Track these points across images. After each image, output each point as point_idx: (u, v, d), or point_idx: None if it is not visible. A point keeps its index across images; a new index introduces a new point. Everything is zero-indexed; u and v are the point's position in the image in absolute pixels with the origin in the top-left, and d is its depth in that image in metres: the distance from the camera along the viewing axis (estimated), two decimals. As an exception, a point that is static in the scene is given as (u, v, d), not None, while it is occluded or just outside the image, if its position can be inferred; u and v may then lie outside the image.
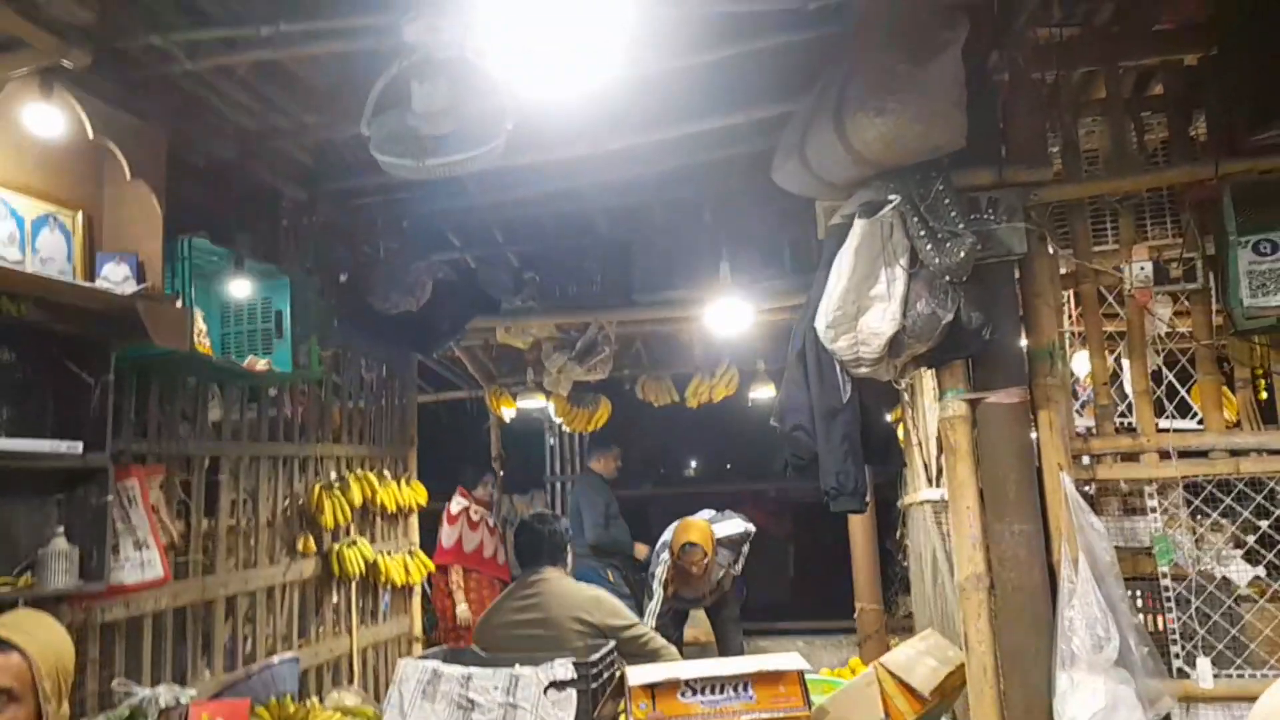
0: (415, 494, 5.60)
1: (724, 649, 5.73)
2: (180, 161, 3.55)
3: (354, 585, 4.93)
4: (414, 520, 5.72)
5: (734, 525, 5.65)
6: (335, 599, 4.88)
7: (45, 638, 2.04)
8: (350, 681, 4.68)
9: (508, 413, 7.58)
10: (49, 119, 2.92)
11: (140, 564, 3.35)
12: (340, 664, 4.84)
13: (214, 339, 3.98)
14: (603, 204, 5.01)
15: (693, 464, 9.20)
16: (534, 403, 7.31)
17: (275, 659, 3.60)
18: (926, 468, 4.12)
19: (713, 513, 5.72)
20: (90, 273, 3.35)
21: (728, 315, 5.22)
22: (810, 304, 2.97)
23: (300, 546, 4.55)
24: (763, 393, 7.04)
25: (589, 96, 3.02)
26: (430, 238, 5.34)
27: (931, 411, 3.83)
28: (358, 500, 4.92)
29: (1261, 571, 2.59)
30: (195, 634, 3.86)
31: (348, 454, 5.16)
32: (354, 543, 4.87)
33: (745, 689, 2.69)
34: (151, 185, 3.35)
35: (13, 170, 3.15)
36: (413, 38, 2.56)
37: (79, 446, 3.06)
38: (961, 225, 2.63)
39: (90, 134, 3.05)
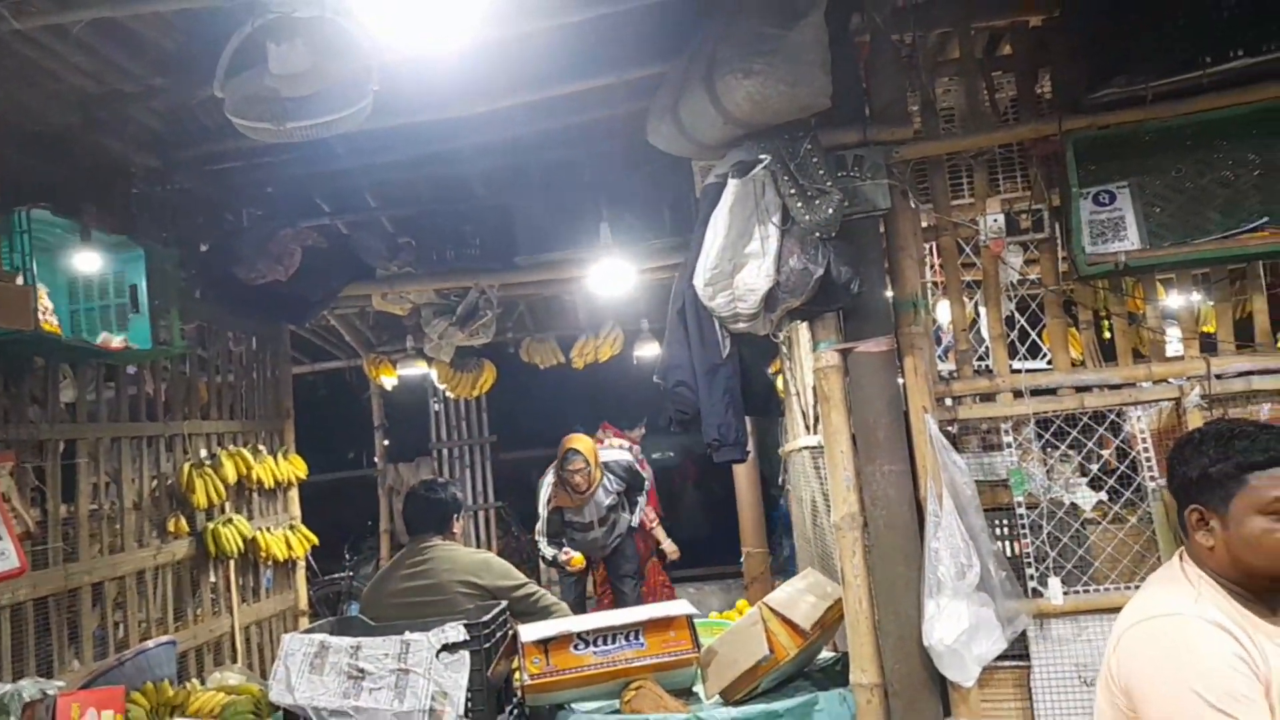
0: (294, 468, 5.44)
1: (621, 602, 5.86)
2: (16, 129, 3.28)
3: (232, 563, 4.76)
4: (294, 494, 5.56)
5: (619, 453, 5.92)
6: (213, 578, 4.71)
7: None
8: (234, 661, 4.55)
9: (389, 381, 7.42)
10: None
11: (-7, 555, 3.15)
12: (222, 644, 4.69)
13: (62, 317, 3.73)
14: (480, 167, 4.92)
15: (580, 425, 9.27)
16: (416, 370, 7.17)
17: (150, 643, 3.46)
18: (804, 416, 4.27)
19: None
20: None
21: (610, 276, 5.24)
22: (689, 263, 3.02)
23: (172, 527, 4.36)
24: (647, 351, 7.13)
25: (460, 57, 2.94)
26: (298, 204, 5.13)
27: (807, 363, 3.98)
28: (232, 477, 4.74)
29: (1104, 496, 2.83)
30: (60, 624, 3.66)
31: (218, 430, 4.95)
32: (230, 520, 4.70)
33: (636, 637, 2.76)
34: (-23, 150, 3.09)
35: None
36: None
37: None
38: (829, 183, 2.72)
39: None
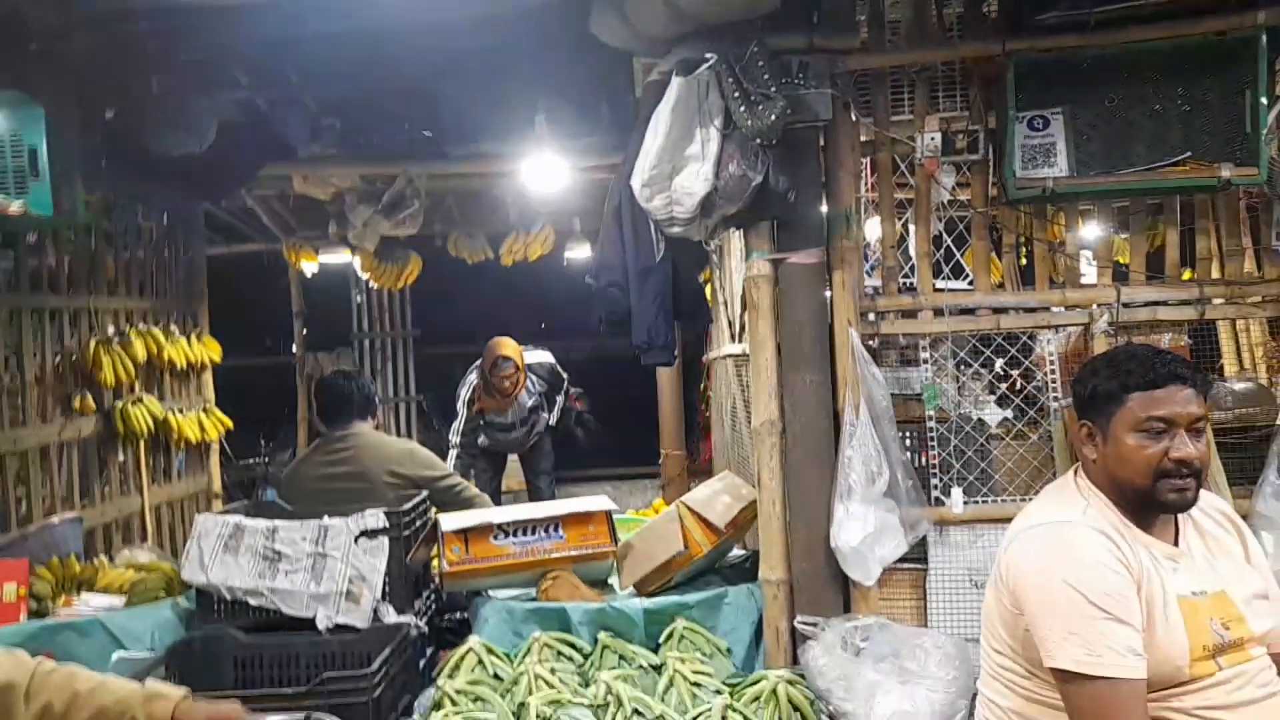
0: (208, 350, 5.29)
1: (536, 498, 5.95)
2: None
3: (142, 444, 4.65)
4: (208, 377, 5.42)
5: (542, 355, 5.89)
6: (122, 458, 4.60)
7: None
8: (144, 541, 4.49)
9: (310, 267, 7.19)
10: None
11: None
12: (131, 523, 4.61)
13: (-45, 175, 3.48)
14: (410, 48, 4.66)
15: (508, 323, 9.22)
16: (338, 257, 6.96)
17: (54, 519, 3.38)
18: (730, 325, 4.32)
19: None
20: None
21: (543, 172, 5.13)
22: (627, 162, 2.98)
23: (78, 405, 4.22)
24: (579, 252, 7.05)
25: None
26: (213, 74, 4.81)
27: (738, 272, 4.00)
28: (141, 356, 4.58)
29: (1010, 414, 2.96)
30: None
31: (127, 307, 4.75)
32: (140, 400, 4.56)
33: (556, 530, 2.82)
34: None
35: None
36: None
37: None
38: (774, 89, 2.69)
39: None
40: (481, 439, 5.74)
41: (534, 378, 5.76)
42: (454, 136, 5.25)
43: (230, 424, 5.46)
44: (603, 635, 2.61)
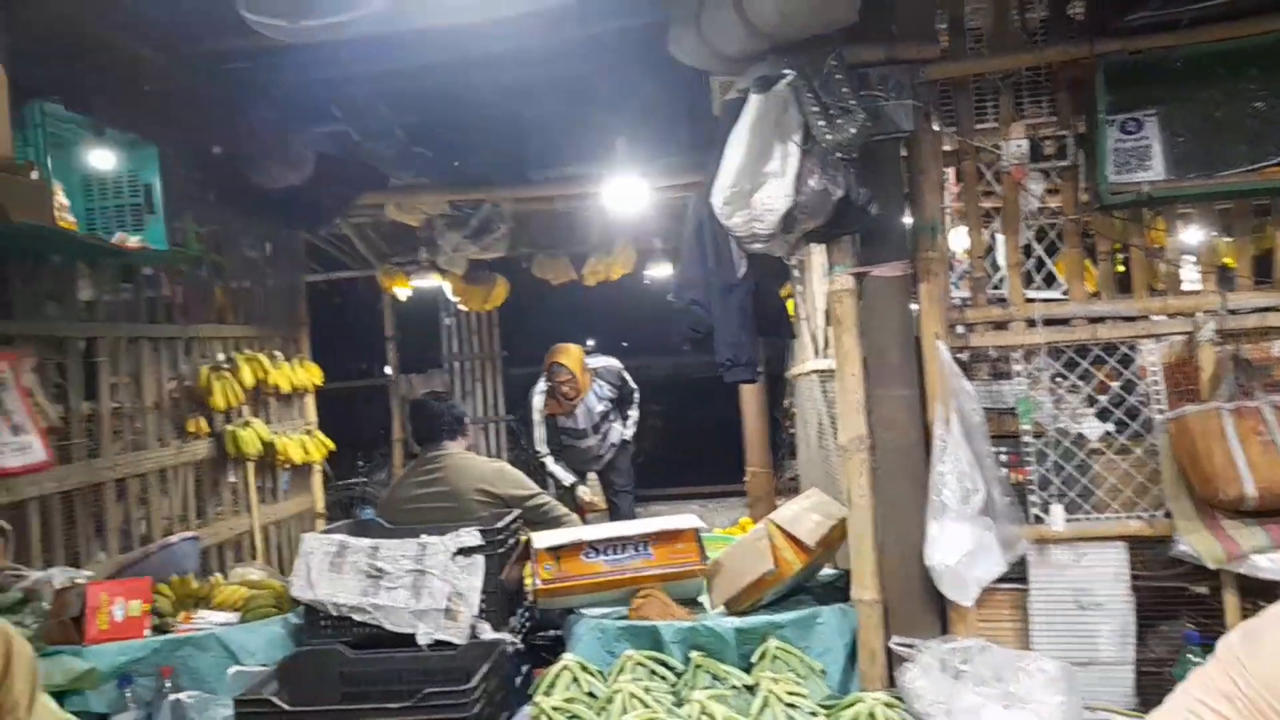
0: (309, 374, 5.51)
1: (615, 515, 6.01)
2: (23, 20, 3.21)
3: (251, 465, 4.88)
4: (310, 400, 5.65)
5: (607, 361, 6.06)
6: (232, 479, 4.84)
7: None
8: (253, 558, 4.71)
9: (402, 292, 7.43)
10: None
11: (19, 448, 3.23)
12: (242, 542, 4.84)
13: (78, 214, 3.73)
14: (494, 77, 4.82)
15: (590, 341, 9.32)
16: (429, 281, 7.18)
17: (174, 538, 3.57)
18: (814, 339, 4.29)
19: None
20: (-70, 140, 3.06)
21: (624, 192, 5.20)
22: (706, 181, 3.00)
23: (191, 428, 4.46)
24: (659, 270, 7.10)
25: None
26: (310, 109, 5.05)
27: (820, 286, 3.97)
28: (249, 381, 4.81)
29: (1111, 428, 2.86)
30: (85, 517, 3.79)
31: (235, 335, 5.01)
32: (248, 423, 4.79)
33: (645, 548, 2.85)
34: (-9, 42, 3.04)
35: None
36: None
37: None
38: (853, 102, 2.68)
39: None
40: (556, 449, 5.87)
41: (601, 383, 5.88)
42: (537, 160, 5.38)
43: (332, 445, 5.68)
44: (694, 654, 2.62)
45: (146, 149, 3.86)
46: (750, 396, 6.62)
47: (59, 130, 3.47)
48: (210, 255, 4.87)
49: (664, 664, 2.61)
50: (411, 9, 3.48)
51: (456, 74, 4.69)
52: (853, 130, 2.63)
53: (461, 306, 7.74)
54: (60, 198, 3.46)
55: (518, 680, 2.69)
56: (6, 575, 3.07)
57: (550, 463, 5.83)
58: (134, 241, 3.78)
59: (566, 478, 5.80)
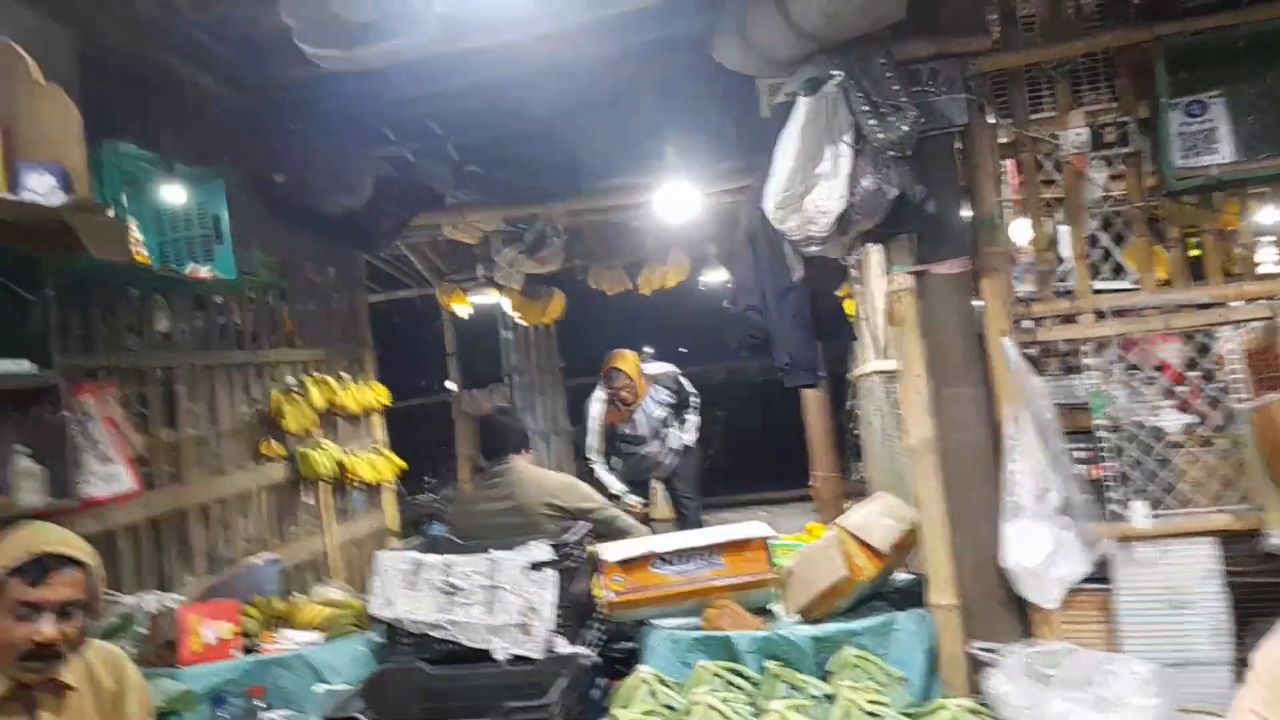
0: (376, 394, 5.63)
1: (683, 525, 6.00)
2: (95, 63, 3.35)
3: (325, 486, 5.00)
4: (377, 419, 5.77)
5: (665, 367, 6.08)
6: (308, 500, 4.96)
7: (87, 547, 2.08)
8: (331, 577, 4.82)
9: (462, 309, 7.55)
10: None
11: (107, 477, 3.36)
12: (319, 562, 4.96)
13: (151, 248, 3.85)
14: (542, 92, 4.87)
15: (648, 350, 9.36)
16: (487, 298, 7.28)
17: (256, 560, 3.69)
18: (875, 340, 4.25)
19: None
20: (13, 185, 3.20)
21: (675, 200, 5.22)
22: (757, 185, 3.00)
23: (266, 451, 4.59)
24: (714, 275, 7.10)
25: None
26: (365, 132, 5.17)
27: (879, 286, 3.93)
28: (319, 403, 4.93)
29: (1191, 419, 2.77)
30: (172, 542, 3.92)
31: (303, 358, 5.14)
32: (320, 445, 4.91)
33: (714, 558, 2.85)
34: (66, 87, 3.17)
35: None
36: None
37: (28, 364, 3.01)
38: (904, 98, 2.65)
39: (-5, 34, 2.87)
40: (616, 460, 5.89)
41: (658, 388, 5.90)
42: (588, 172, 5.42)
43: (403, 464, 5.79)
44: (770, 664, 2.61)
45: (213, 181, 3.98)
46: (813, 400, 6.57)
47: (131, 168, 3.60)
48: (276, 281, 5.00)
49: (740, 674, 2.61)
50: (460, 32, 3.55)
51: (505, 91, 4.76)
52: (905, 128, 2.61)
53: (520, 321, 7.83)
54: (135, 233, 3.59)
55: (594, 693, 2.72)
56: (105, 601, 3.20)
57: (600, 469, 5.85)
58: (205, 272, 3.90)
59: (615, 485, 5.80)
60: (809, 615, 2.82)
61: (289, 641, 2.97)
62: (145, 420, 3.90)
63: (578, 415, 8.63)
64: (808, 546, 3.14)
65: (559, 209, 5.84)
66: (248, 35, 3.94)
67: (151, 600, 3.11)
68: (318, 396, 4.92)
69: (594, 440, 5.90)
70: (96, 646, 2.25)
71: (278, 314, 5.01)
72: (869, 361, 4.42)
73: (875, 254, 3.79)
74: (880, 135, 2.62)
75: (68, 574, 1.99)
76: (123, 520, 3.60)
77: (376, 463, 5.44)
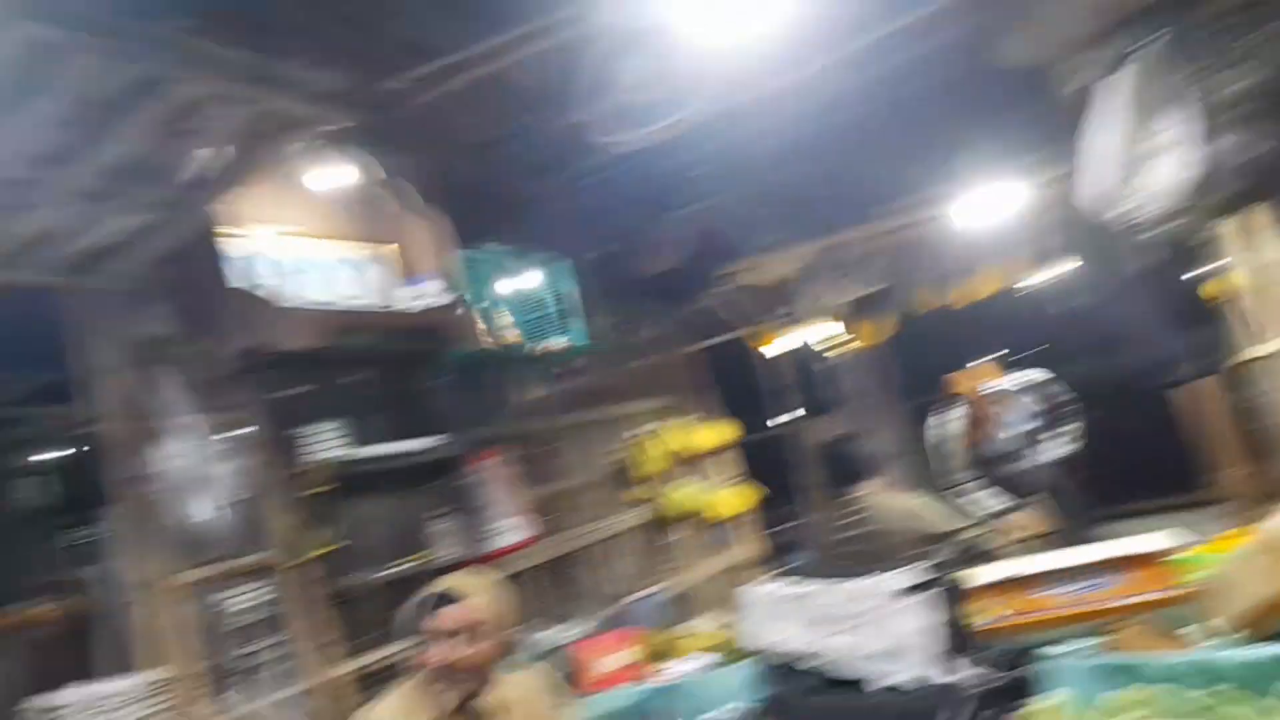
0: (724, 432, 5.89)
1: (1065, 541, 5.48)
2: (452, 182, 3.93)
3: (687, 522, 5.30)
4: (729, 456, 6.01)
5: (1029, 374, 5.54)
6: (674, 537, 5.29)
7: (490, 589, 2.47)
8: (703, 609, 5.07)
9: (778, 346, 7.64)
10: (346, 175, 3.38)
11: (508, 530, 3.86)
12: (693, 595, 5.24)
13: (520, 328, 4.42)
14: (829, 122, 4.87)
15: (1005, 355, 8.82)
16: (812, 329, 7.30)
17: (637, 595, 4.00)
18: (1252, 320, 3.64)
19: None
20: (407, 296, 3.84)
21: (982, 205, 4.96)
22: (1072, 176, 2.75)
23: (632, 496, 4.98)
24: (1039, 276, 6.54)
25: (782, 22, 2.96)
26: (676, 194, 5.51)
27: (1248, 260, 3.38)
28: (672, 447, 5.26)
29: None
30: (564, 582, 4.39)
31: (653, 407, 5.52)
32: (678, 485, 5.23)
33: (1106, 574, 2.60)
34: (437, 208, 3.77)
35: (333, 225, 3.69)
36: (606, 17, 2.67)
37: (439, 440, 3.57)
38: (1247, 45, 2.30)
39: (383, 175, 3.50)
40: (984, 479, 5.52)
41: (1024, 398, 5.43)
42: (888, 193, 5.32)
43: (760, 494, 5.97)
44: (1197, 692, 2.28)
45: (560, 262, 4.48)
46: (1201, 394, 5.75)
47: (494, 265, 4.17)
48: (623, 341, 5.46)
49: (1163, 702, 2.32)
50: (737, 83, 3.66)
51: (793, 128, 4.82)
52: (1256, 78, 2.25)
53: (840, 350, 7.75)
54: (504, 319, 4.15)
55: (982, 724, 2.58)
56: (520, 639, 3.65)
57: (967, 491, 5.52)
58: (563, 343, 4.38)
59: (992, 505, 5.44)
60: (1249, 631, 2.43)
61: (676, 671, 3.17)
62: (530, 478, 4.42)
63: (922, 436, 8.31)
64: (1230, 555, 2.73)
65: (863, 234, 5.78)
66: (557, 135, 4.39)
67: (554, 635, 3.49)
68: (669, 441, 5.25)
69: (956, 461, 5.59)
70: (530, 671, 2.61)
71: (626, 370, 5.46)
72: (1266, 341, 3.80)
73: (1238, 225, 3.26)
74: (1223, 90, 2.29)
75: (460, 606, 2.36)
76: (524, 565, 4.10)
77: (733, 497, 5.66)
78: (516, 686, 2.52)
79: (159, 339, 3.01)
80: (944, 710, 2.35)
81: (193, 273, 3.07)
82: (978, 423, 5.42)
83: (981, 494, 5.50)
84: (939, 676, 2.57)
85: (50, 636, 4.43)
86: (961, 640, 2.85)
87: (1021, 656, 2.77)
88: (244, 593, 3.02)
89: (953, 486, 5.59)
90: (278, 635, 3.06)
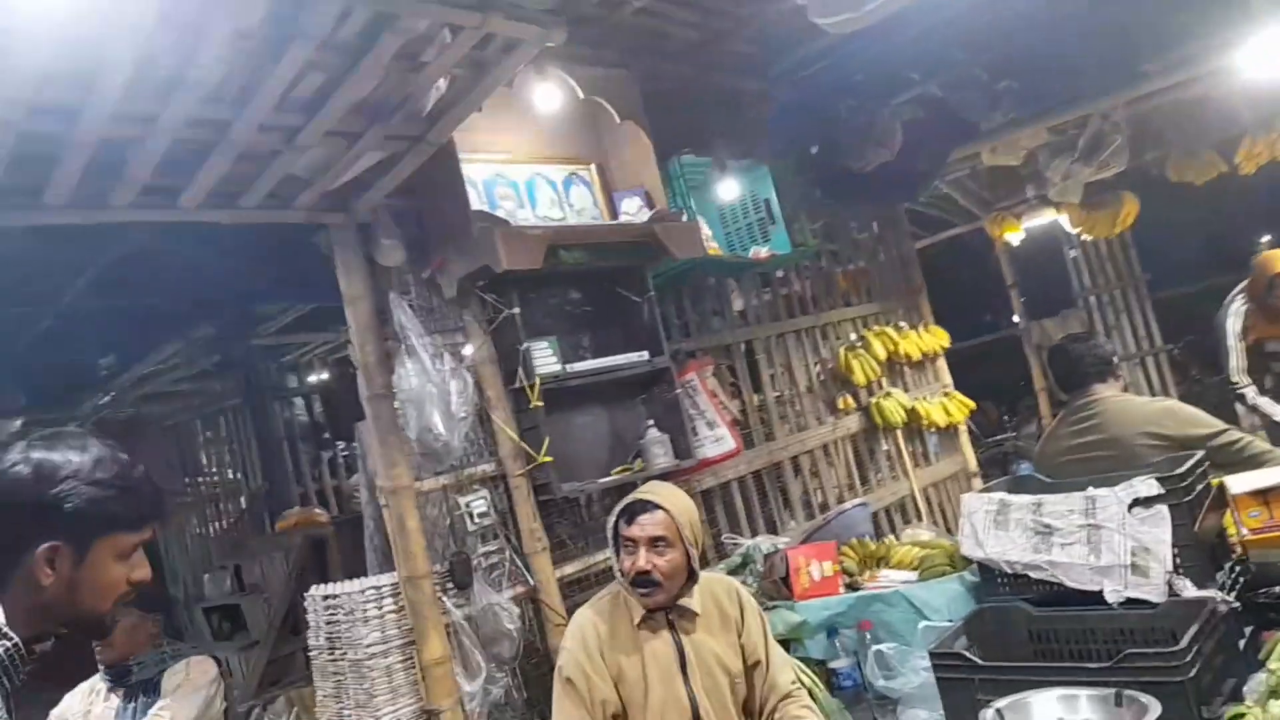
0: (936, 338, 5.60)
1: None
2: (651, 91, 3.91)
3: (899, 433, 5.14)
4: (941, 364, 5.73)
5: None
6: (885, 446, 5.15)
7: (678, 500, 2.55)
8: (917, 519, 4.94)
9: (1014, 237, 7.08)
10: (550, 95, 3.43)
11: (715, 440, 3.91)
12: (905, 505, 5.12)
13: (719, 240, 4.38)
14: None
15: (1264, 240, 7.73)
16: (1042, 219, 6.72)
17: (847, 505, 3.95)
18: None
19: None
20: (613, 211, 3.91)
21: (1271, 54, 4.19)
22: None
23: (841, 405, 4.88)
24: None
25: None
26: (888, 81, 5.14)
27: None
28: (882, 355, 5.08)
29: None
30: (773, 491, 4.41)
31: (860, 314, 5.34)
32: (889, 394, 5.06)
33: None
34: (638, 123, 3.76)
35: (538, 146, 3.78)
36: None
37: (645, 354, 3.65)
38: None
39: (580, 95, 3.52)
40: (1270, 381, 4.85)
41: None
42: (1147, 51, 4.66)
43: (972, 405, 5.67)
44: None
45: (759, 170, 4.36)
46: None
47: (694, 174, 4.13)
48: (827, 246, 5.27)
49: None
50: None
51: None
52: None
53: (1085, 236, 7.06)
54: (705, 229, 4.11)
55: (1240, 644, 2.34)
56: (728, 543, 3.73)
57: (1252, 394, 4.86)
58: (765, 252, 4.30)
59: (1277, 411, 4.79)
60: None
61: (887, 580, 3.12)
62: (737, 389, 4.43)
63: (1171, 330, 7.48)
64: None
65: (1113, 102, 5.11)
66: (764, 31, 4.23)
67: (764, 542, 3.53)
68: (880, 348, 5.07)
69: (1236, 360, 4.91)
70: (717, 579, 2.68)
71: (832, 277, 5.29)
72: None
73: None
74: None
75: (652, 516, 2.49)
76: (731, 475, 4.15)
77: (947, 406, 5.41)
78: (712, 592, 2.59)
79: (401, 265, 3.26)
80: (1193, 625, 2.15)
81: (433, 200, 3.28)
82: (1269, 316, 4.73)
83: (1258, 396, 4.88)
84: (1187, 591, 2.36)
85: (321, 536, 5.08)
86: (1216, 552, 2.59)
87: (1288, 571, 2.48)
88: (476, 499, 3.28)
89: (1240, 391, 4.98)
90: (503, 539, 3.31)
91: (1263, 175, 5.89)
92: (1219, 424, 3.09)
